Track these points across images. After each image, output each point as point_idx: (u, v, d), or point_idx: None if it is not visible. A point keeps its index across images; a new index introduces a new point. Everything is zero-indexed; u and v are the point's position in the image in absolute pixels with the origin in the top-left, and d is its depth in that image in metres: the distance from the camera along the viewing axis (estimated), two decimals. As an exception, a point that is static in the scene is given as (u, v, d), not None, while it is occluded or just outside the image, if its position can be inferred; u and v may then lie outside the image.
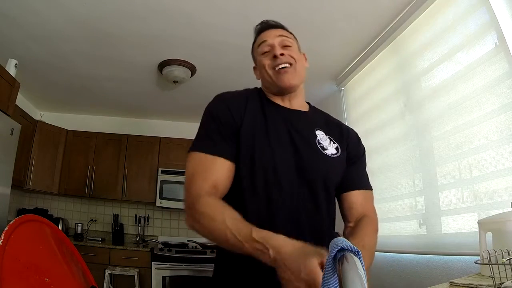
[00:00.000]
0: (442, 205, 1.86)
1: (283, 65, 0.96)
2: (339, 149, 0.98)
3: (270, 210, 0.87)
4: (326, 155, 0.95)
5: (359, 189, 1.00)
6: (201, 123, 0.96)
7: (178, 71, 3.00)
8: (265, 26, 1.04)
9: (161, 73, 3.11)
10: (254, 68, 1.09)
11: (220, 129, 0.91)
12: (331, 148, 0.97)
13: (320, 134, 0.99)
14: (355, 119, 2.90)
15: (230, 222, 0.74)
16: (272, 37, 1.00)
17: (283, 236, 0.68)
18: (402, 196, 2.23)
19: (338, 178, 0.98)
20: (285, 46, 0.99)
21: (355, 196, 0.98)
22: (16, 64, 2.71)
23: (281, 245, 0.66)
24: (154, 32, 2.56)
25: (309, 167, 0.92)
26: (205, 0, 2.20)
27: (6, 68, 2.61)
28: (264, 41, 1.00)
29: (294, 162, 0.91)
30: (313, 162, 0.93)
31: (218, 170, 0.86)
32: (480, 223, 1.13)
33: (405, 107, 2.26)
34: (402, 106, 2.29)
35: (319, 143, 0.96)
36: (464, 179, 1.72)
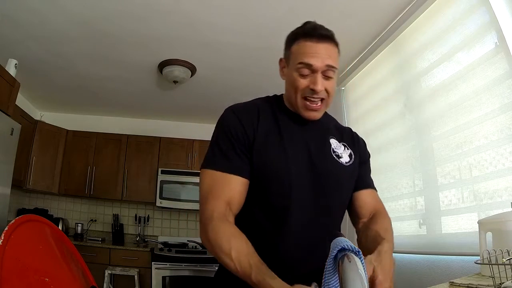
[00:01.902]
0: (442, 205, 1.86)
1: (314, 101, 0.91)
2: (352, 156, 1.00)
3: (285, 228, 0.87)
4: (342, 165, 0.96)
5: (368, 188, 1.02)
6: (213, 136, 0.94)
7: (178, 71, 3.00)
8: (317, 33, 0.90)
9: (161, 73, 3.11)
10: (280, 62, 0.99)
11: (234, 145, 0.89)
12: (345, 156, 0.98)
13: (334, 143, 0.99)
14: (355, 119, 2.90)
15: (235, 255, 0.75)
16: (320, 62, 0.87)
17: (280, 282, 0.68)
18: (402, 196, 2.23)
19: (353, 182, 0.99)
20: (327, 77, 0.90)
21: (366, 195, 1.00)
22: (16, 64, 2.71)
23: None
24: (154, 32, 2.56)
25: (326, 184, 0.92)
26: (205, 0, 2.20)
27: (6, 68, 2.61)
28: (309, 64, 0.88)
29: (310, 178, 0.91)
30: (328, 171, 0.93)
31: (233, 189, 0.86)
32: (480, 223, 1.13)
33: (405, 107, 2.25)
34: (402, 106, 2.29)
35: (334, 152, 0.97)
36: (464, 179, 1.72)
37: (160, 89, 3.59)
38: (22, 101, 3.62)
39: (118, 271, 3.34)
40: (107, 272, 3.28)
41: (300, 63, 0.89)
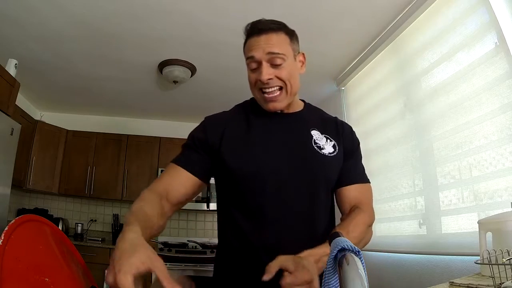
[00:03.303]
0: (442, 205, 1.86)
1: (270, 89, 0.91)
2: (336, 147, 0.97)
3: (263, 225, 0.88)
4: (323, 155, 0.94)
5: (354, 183, 0.98)
6: None
7: (178, 71, 3.00)
8: (253, 30, 0.94)
9: (161, 73, 3.11)
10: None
11: (193, 148, 0.96)
12: (328, 147, 0.96)
13: (316, 134, 0.97)
14: (355, 119, 2.90)
15: (129, 213, 0.76)
16: (261, 52, 0.90)
17: (133, 233, 0.65)
18: (402, 196, 2.23)
19: (337, 173, 0.96)
20: (274, 65, 0.90)
21: (350, 191, 0.97)
22: (16, 64, 2.71)
23: (121, 239, 0.64)
24: (154, 32, 2.56)
25: (306, 168, 0.92)
26: (205, 0, 2.20)
27: (6, 68, 2.61)
28: (251, 56, 0.92)
29: (287, 166, 0.91)
30: (310, 163, 0.92)
31: (175, 179, 0.92)
32: (480, 223, 1.13)
33: (405, 107, 2.26)
34: (402, 106, 2.29)
35: (315, 143, 0.95)
36: (464, 179, 1.72)
37: (160, 89, 3.59)
38: (22, 101, 3.62)
39: (118, 271, 3.33)
40: (107, 272, 3.28)
41: (247, 58, 0.95)
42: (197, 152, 0.95)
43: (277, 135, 0.95)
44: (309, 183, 0.91)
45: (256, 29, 0.94)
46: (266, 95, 0.93)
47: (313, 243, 0.77)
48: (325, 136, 0.98)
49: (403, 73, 2.31)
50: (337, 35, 2.53)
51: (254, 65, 0.93)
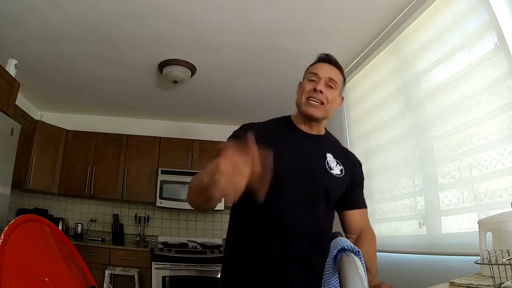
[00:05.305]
0: (442, 205, 1.86)
1: (315, 100, 1.13)
2: (343, 171, 1.16)
3: (276, 210, 1.05)
4: (331, 174, 1.13)
5: (358, 208, 1.20)
6: None
7: (178, 71, 3.00)
8: (325, 59, 1.20)
9: (161, 73, 3.11)
10: (300, 83, 1.24)
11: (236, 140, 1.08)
12: (336, 169, 1.15)
13: (329, 156, 1.16)
14: (355, 119, 2.90)
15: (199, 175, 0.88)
16: (324, 73, 1.15)
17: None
18: (402, 196, 2.23)
19: (338, 193, 1.15)
20: (329, 86, 1.15)
21: (355, 214, 1.19)
22: (16, 64, 2.71)
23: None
24: (154, 32, 2.56)
25: (313, 178, 1.10)
26: (205, 0, 2.20)
27: (6, 68, 2.60)
28: (316, 73, 1.16)
29: (299, 172, 1.09)
30: (317, 175, 1.11)
31: None
32: (480, 223, 1.13)
33: (405, 107, 2.25)
34: (402, 106, 2.29)
35: (327, 164, 1.14)
36: (464, 179, 1.72)
37: (160, 89, 3.59)
38: (22, 101, 3.62)
39: (118, 271, 3.34)
40: (107, 272, 3.28)
41: (310, 73, 1.19)
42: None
43: (300, 149, 1.14)
44: (312, 190, 1.10)
45: (329, 59, 1.20)
46: (311, 101, 1.14)
47: (313, 241, 1.04)
48: (336, 160, 1.17)
49: (403, 73, 2.31)
50: (337, 35, 2.53)
51: (314, 78, 1.16)
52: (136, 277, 3.31)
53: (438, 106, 1.94)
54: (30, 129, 3.56)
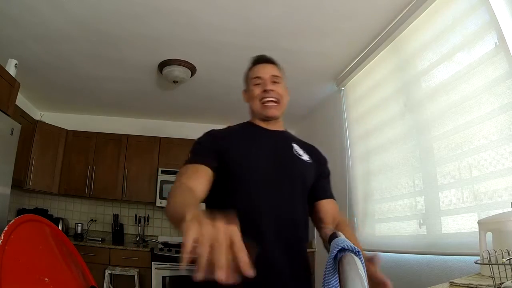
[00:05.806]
0: (442, 205, 1.86)
1: (270, 99, 1.17)
2: (310, 160, 1.20)
3: (253, 202, 1.05)
4: (302, 159, 1.17)
5: (331, 198, 1.22)
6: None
7: (178, 71, 3.00)
8: (260, 60, 1.24)
9: (161, 73, 3.11)
10: (244, 91, 1.28)
11: (202, 148, 1.13)
12: (305, 156, 1.19)
13: (295, 146, 1.21)
14: (355, 119, 2.90)
15: (176, 200, 0.89)
16: (265, 73, 1.19)
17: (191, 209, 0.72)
18: (402, 196, 2.23)
19: (312, 180, 1.18)
20: (275, 83, 1.19)
21: (329, 204, 1.20)
22: (16, 64, 2.70)
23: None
24: (154, 32, 2.56)
25: (288, 165, 1.14)
26: (205, 0, 2.20)
27: (6, 68, 2.60)
28: (258, 77, 1.20)
29: (274, 163, 1.11)
30: (291, 162, 1.15)
31: (199, 175, 1.03)
32: (480, 223, 1.13)
33: (405, 107, 2.26)
34: (402, 106, 2.29)
35: (296, 151, 1.18)
36: (464, 179, 1.72)
37: (160, 89, 3.59)
38: (22, 101, 3.62)
39: (118, 271, 3.34)
40: (107, 272, 3.28)
41: (252, 78, 1.22)
42: (206, 151, 1.11)
43: (268, 143, 1.18)
44: (289, 175, 1.13)
45: (263, 59, 1.24)
46: (266, 104, 1.17)
47: (293, 230, 1.06)
48: (302, 149, 1.22)
49: (403, 73, 2.31)
50: (337, 35, 2.53)
51: (259, 81, 1.19)
52: (136, 277, 3.31)
53: (438, 106, 1.94)
54: (30, 129, 3.56)
